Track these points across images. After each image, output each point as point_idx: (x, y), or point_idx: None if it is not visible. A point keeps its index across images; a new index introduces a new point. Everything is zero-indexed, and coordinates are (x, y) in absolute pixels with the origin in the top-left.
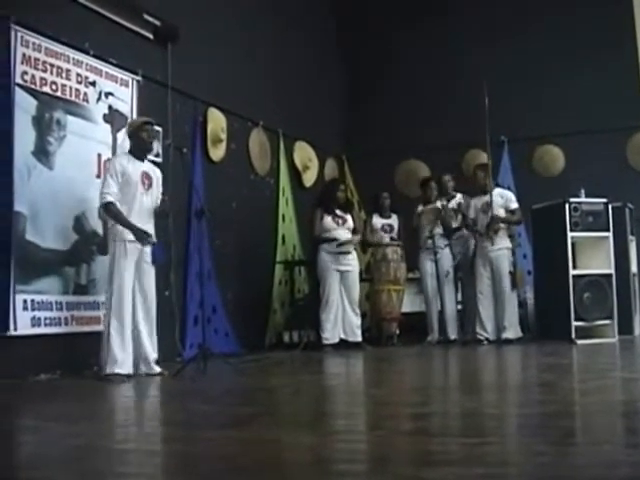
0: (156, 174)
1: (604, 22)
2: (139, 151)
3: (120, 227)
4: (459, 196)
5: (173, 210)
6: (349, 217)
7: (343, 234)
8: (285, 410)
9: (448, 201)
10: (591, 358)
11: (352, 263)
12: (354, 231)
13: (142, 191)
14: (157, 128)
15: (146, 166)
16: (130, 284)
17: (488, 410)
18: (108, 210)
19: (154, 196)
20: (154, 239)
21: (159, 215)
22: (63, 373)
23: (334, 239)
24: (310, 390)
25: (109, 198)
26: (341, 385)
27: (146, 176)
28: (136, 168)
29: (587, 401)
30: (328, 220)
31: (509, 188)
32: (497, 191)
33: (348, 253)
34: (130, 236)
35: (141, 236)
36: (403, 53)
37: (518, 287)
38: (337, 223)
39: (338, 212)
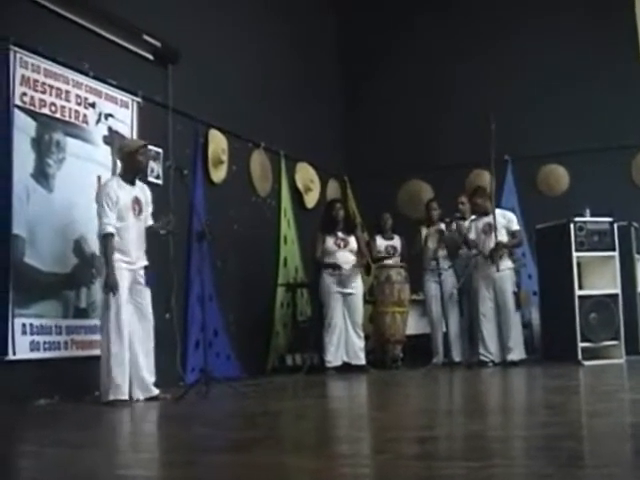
0: (145, 195)
1: (608, 39)
2: (132, 174)
3: (116, 253)
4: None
5: (175, 231)
6: (352, 239)
7: (345, 257)
8: (288, 434)
9: (450, 223)
10: (598, 379)
11: (355, 285)
12: (358, 253)
13: (134, 218)
14: (157, 149)
15: (135, 190)
16: (127, 309)
17: (493, 433)
18: (105, 242)
19: (144, 220)
20: (145, 262)
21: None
22: (62, 398)
23: (335, 265)
24: (313, 414)
25: (110, 229)
26: (345, 409)
27: (136, 201)
28: (127, 194)
29: (595, 423)
30: (330, 242)
31: (513, 209)
32: (499, 212)
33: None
34: (122, 263)
35: (111, 285)
36: (406, 73)
37: (522, 307)
38: (339, 245)
39: (340, 234)
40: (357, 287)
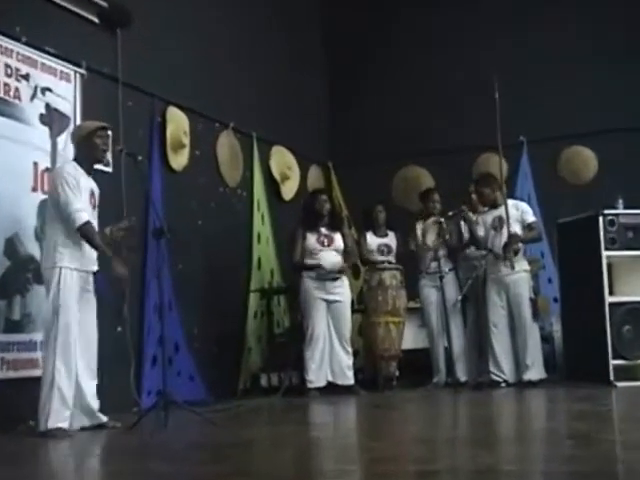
0: (97, 191)
1: None
2: (88, 162)
3: (65, 252)
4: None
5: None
6: (337, 236)
7: (330, 257)
8: (262, 468)
9: (453, 217)
10: (634, 404)
11: (342, 291)
12: (345, 253)
13: (90, 212)
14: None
15: (91, 182)
16: (77, 320)
17: (506, 467)
18: (84, 231)
19: (95, 217)
20: (96, 267)
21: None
22: None
23: (318, 266)
24: (292, 443)
25: (85, 216)
26: (329, 437)
27: (92, 194)
28: (85, 183)
29: (630, 457)
30: (311, 241)
31: (529, 199)
32: (510, 203)
33: (337, 279)
34: (73, 263)
35: (122, 275)
36: (401, 42)
37: (541, 317)
38: (322, 244)
39: (324, 230)
40: (344, 293)
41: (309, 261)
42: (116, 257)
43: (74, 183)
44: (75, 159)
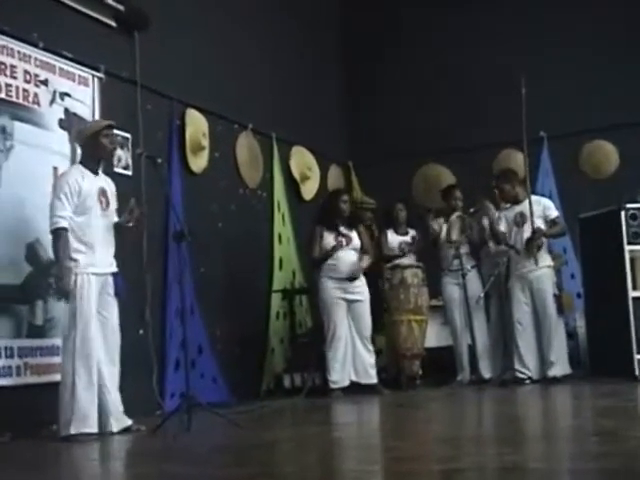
0: (111, 189)
1: None
2: (94, 161)
3: (79, 257)
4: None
5: (147, 232)
6: (354, 234)
7: (348, 256)
8: (286, 470)
9: (474, 213)
10: None
11: (362, 290)
12: (362, 251)
13: (100, 212)
14: (124, 134)
15: (100, 180)
16: (96, 323)
17: (533, 465)
18: (57, 238)
19: (111, 216)
20: (114, 268)
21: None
22: (15, 435)
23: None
24: (316, 445)
25: (62, 223)
26: (353, 437)
27: (103, 193)
28: (92, 184)
29: None
30: (330, 239)
31: (550, 194)
32: (533, 199)
33: (355, 278)
34: (90, 267)
35: (61, 290)
36: (419, 41)
37: (565, 313)
38: (341, 243)
39: (342, 229)
40: (364, 292)
41: (328, 261)
42: (66, 274)
43: (67, 191)
44: (81, 161)
